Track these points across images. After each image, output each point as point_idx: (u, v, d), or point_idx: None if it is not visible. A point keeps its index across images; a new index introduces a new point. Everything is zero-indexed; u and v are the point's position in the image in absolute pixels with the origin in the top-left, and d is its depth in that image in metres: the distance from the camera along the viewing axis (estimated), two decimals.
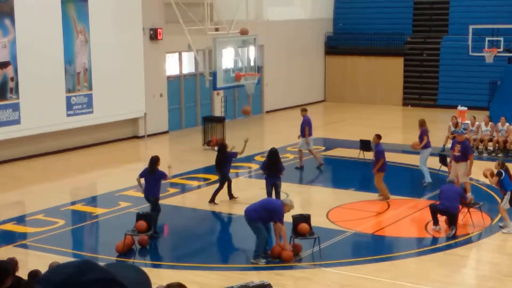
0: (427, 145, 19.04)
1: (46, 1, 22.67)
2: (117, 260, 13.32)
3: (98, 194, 19.42)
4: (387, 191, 17.42)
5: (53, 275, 1.76)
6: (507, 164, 15.66)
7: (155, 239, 14.62)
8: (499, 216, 15.39)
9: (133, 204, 17.25)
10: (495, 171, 15.23)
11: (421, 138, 19.05)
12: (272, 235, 13.78)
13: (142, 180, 14.99)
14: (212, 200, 17.25)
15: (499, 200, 15.68)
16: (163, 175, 14.95)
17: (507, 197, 15.02)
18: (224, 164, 17.26)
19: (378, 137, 17.75)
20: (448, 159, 18.48)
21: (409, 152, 21.83)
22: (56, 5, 22.89)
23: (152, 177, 14.90)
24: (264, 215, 13.22)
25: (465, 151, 17.08)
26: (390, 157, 21.13)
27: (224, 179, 17.29)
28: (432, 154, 19.33)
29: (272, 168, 16.15)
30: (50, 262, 9.05)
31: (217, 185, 17.44)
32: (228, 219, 16.56)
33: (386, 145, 21.39)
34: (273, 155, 16.29)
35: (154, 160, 15.00)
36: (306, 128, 21.02)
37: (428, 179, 18.94)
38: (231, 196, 17.41)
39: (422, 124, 19.20)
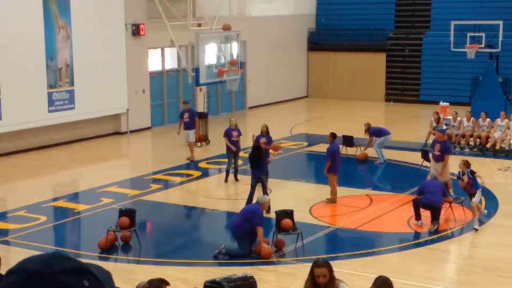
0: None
1: None
2: (98, 257, 13.28)
3: (80, 190, 19.33)
4: (336, 194, 16.76)
5: (26, 265, 1.74)
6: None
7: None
8: (478, 212, 15.25)
9: (115, 200, 17.19)
10: (464, 170, 15.20)
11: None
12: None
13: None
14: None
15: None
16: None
17: (479, 193, 15.08)
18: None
19: (332, 136, 16.76)
20: (430, 155, 18.50)
21: (391, 148, 21.90)
22: (37, 0, 22.72)
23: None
24: (247, 227, 13.12)
25: (443, 151, 16.91)
26: (372, 152, 21.23)
27: None
28: (414, 150, 19.32)
29: (256, 162, 16.13)
30: None
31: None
32: (211, 215, 16.53)
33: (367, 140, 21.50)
34: (257, 149, 16.28)
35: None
36: (196, 120, 21.99)
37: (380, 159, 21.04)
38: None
39: (369, 126, 21.53)
